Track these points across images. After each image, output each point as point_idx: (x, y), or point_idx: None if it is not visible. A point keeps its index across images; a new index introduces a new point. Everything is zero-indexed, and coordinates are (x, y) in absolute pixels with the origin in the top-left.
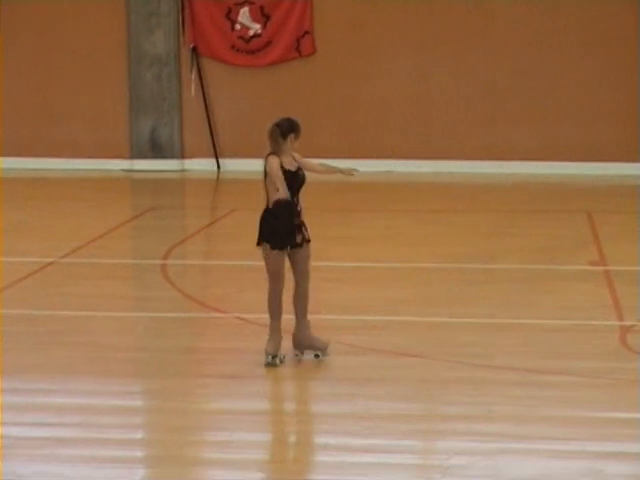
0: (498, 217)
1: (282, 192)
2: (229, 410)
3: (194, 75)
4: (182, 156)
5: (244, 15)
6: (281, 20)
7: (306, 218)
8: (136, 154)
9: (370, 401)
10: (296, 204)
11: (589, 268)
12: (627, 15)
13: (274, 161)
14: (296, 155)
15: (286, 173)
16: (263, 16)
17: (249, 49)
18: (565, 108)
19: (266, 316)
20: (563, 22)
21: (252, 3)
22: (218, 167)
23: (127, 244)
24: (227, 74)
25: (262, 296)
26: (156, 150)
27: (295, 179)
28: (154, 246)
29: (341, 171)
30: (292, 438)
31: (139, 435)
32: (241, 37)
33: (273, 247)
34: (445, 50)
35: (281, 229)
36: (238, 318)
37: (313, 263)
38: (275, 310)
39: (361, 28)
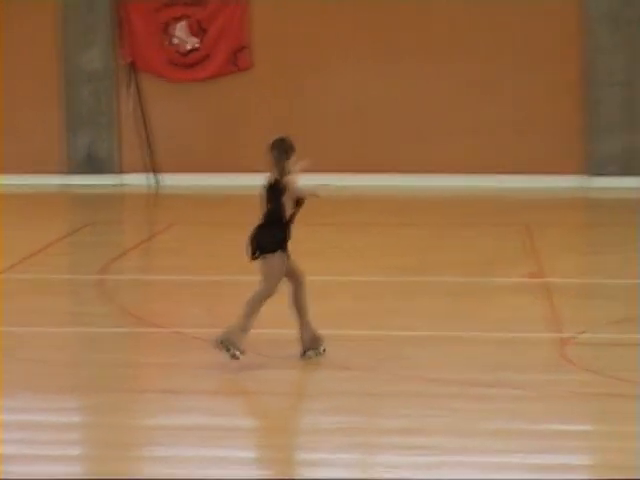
0: (436, 230)
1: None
2: (167, 425)
3: (131, 90)
4: (120, 171)
5: (181, 29)
6: (218, 34)
7: (241, 232)
8: (74, 169)
9: (309, 415)
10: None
11: (528, 280)
12: (565, 28)
13: (294, 179)
14: (288, 177)
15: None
16: (200, 30)
17: (186, 63)
18: (502, 121)
19: (206, 330)
20: (500, 35)
21: (189, 17)
22: (156, 182)
23: (65, 260)
24: (164, 89)
25: (201, 311)
26: (94, 165)
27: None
28: (92, 261)
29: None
30: (230, 453)
31: (77, 451)
32: (178, 51)
33: (284, 251)
34: (381, 63)
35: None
36: (176, 333)
37: (248, 277)
38: (256, 310)
39: (298, 42)
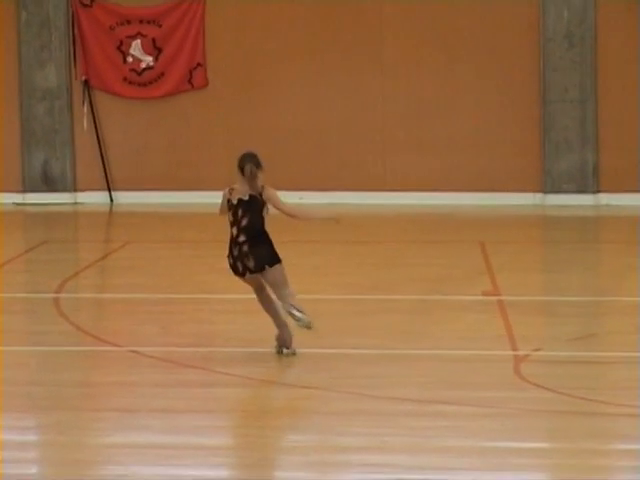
0: (392, 247)
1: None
2: (124, 444)
3: (86, 108)
4: (75, 189)
5: (136, 48)
6: (173, 52)
7: (199, 250)
8: (28, 187)
9: (264, 433)
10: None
11: (483, 298)
12: (521, 45)
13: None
14: (268, 190)
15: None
16: (155, 49)
17: (141, 81)
18: (458, 138)
19: (161, 349)
20: (458, 50)
21: (144, 36)
22: (111, 200)
23: (19, 278)
24: (119, 107)
25: (157, 329)
26: (48, 183)
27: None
28: (47, 280)
29: (323, 219)
30: (186, 471)
31: (34, 470)
32: (133, 69)
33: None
34: (338, 80)
35: None
36: (132, 351)
37: (207, 295)
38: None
39: (253, 60)
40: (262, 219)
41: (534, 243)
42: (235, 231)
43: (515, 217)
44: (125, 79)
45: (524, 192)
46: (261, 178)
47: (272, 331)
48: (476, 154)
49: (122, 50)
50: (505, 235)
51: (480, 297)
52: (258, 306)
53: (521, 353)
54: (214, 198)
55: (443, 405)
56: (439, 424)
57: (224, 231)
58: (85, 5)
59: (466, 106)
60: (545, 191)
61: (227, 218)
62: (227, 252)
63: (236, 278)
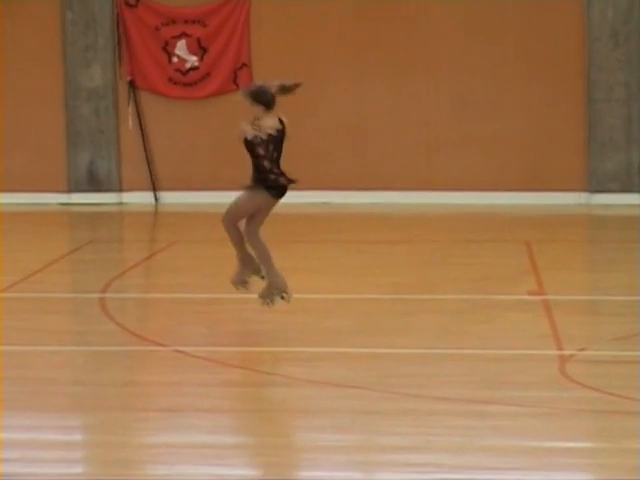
0: (436, 247)
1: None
2: (169, 444)
3: (131, 108)
4: (120, 189)
5: (181, 48)
6: (218, 52)
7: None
8: (74, 187)
9: (308, 433)
10: None
11: (528, 298)
12: (566, 45)
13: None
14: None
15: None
16: (200, 49)
17: (186, 82)
18: (503, 138)
19: (206, 348)
20: (504, 50)
21: (189, 36)
22: (156, 200)
23: (65, 278)
24: (164, 107)
25: (202, 329)
26: (94, 183)
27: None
28: (92, 280)
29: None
30: (231, 471)
31: (79, 469)
32: (178, 70)
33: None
34: (382, 79)
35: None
36: (177, 351)
37: (251, 295)
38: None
39: (297, 59)
40: (260, 158)
41: (579, 242)
42: (268, 164)
43: (560, 216)
44: (170, 79)
45: (569, 191)
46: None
47: (316, 331)
48: (521, 153)
49: (167, 50)
50: (550, 234)
51: (525, 296)
52: (301, 305)
53: (566, 353)
54: None
55: (488, 405)
56: (484, 424)
57: (267, 230)
58: (130, 5)
59: (511, 105)
60: (590, 190)
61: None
62: (267, 177)
63: None
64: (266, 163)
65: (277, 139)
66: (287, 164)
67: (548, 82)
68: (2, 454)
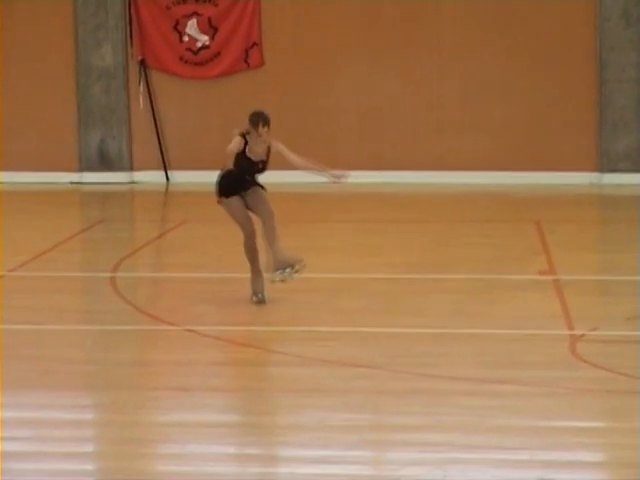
0: (448, 227)
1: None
2: (181, 422)
3: (142, 87)
4: (131, 168)
5: (192, 27)
6: (229, 32)
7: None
8: (85, 167)
9: (320, 412)
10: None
11: (539, 278)
12: (577, 25)
13: (235, 140)
14: (278, 145)
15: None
16: (211, 28)
17: (197, 61)
18: (515, 118)
19: (217, 328)
20: (515, 31)
21: (200, 15)
22: (167, 179)
23: (76, 257)
24: (175, 86)
25: (213, 308)
26: (105, 163)
27: (252, 166)
28: (104, 259)
29: (327, 174)
30: (243, 450)
31: (90, 448)
32: (189, 49)
33: (227, 195)
34: (394, 61)
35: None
36: (188, 330)
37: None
38: (250, 253)
39: (309, 40)
40: (227, 156)
41: (590, 222)
42: (241, 174)
43: (571, 196)
44: (181, 59)
45: (581, 171)
46: (256, 135)
47: (330, 310)
48: (533, 134)
49: (178, 29)
50: (561, 214)
51: (536, 277)
52: (313, 285)
53: (577, 332)
54: (268, 177)
55: (499, 384)
56: (495, 403)
57: (280, 210)
58: None
59: (523, 85)
60: (602, 170)
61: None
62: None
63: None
64: (239, 172)
65: (262, 165)
66: (301, 146)
67: (559, 63)
68: (13, 432)
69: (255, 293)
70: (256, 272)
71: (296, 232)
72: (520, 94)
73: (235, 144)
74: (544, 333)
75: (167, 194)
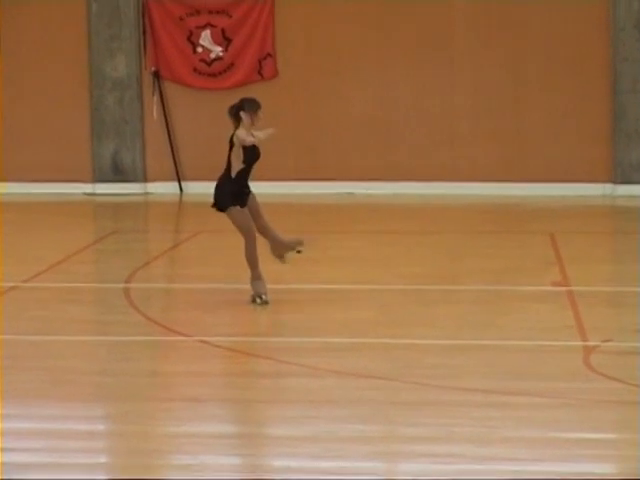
0: (460, 238)
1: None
2: (193, 433)
3: (156, 98)
4: (144, 179)
5: (205, 38)
6: (243, 43)
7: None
8: (98, 177)
9: (331, 423)
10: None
11: (552, 289)
12: (591, 36)
13: (241, 132)
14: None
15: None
16: (225, 39)
17: (211, 72)
18: (528, 128)
19: (230, 339)
20: (527, 42)
21: (213, 26)
22: (181, 190)
23: (90, 268)
24: (189, 97)
25: (226, 319)
26: (118, 173)
27: (256, 154)
28: (117, 270)
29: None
30: (255, 461)
31: (102, 459)
32: (203, 60)
33: (242, 206)
34: (406, 71)
35: (241, 190)
36: (201, 341)
37: (275, 286)
38: (254, 259)
39: (322, 50)
40: (229, 162)
41: (604, 234)
42: (247, 171)
43: (585, 207)
44: (195, 70)
45: (594, 183)
46: (247, 122)
47: (339, 322)
48: (546, 144)
49: (192, 41)
50: (575, 226)
51: (550, 288)
52: (325, 296)
53: (590, 344)
54: (282, 188)
55: (511, 396)
56: (506, 414)
57: (291, 221)
58: None
59: (536, 96)
60: (615, 182)
61: (238, 156)
62: (236, 187)
63: (306, 269)
64: (247, 168)
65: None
66: (312, 156)
67: (573, 73)
68: (25, 443)
69: (259, 295)
70: (258, 276)
71: (308, 243)
72: (533, 104)
73: (246, 134)
74: (557, 344)
75: (181, 205)
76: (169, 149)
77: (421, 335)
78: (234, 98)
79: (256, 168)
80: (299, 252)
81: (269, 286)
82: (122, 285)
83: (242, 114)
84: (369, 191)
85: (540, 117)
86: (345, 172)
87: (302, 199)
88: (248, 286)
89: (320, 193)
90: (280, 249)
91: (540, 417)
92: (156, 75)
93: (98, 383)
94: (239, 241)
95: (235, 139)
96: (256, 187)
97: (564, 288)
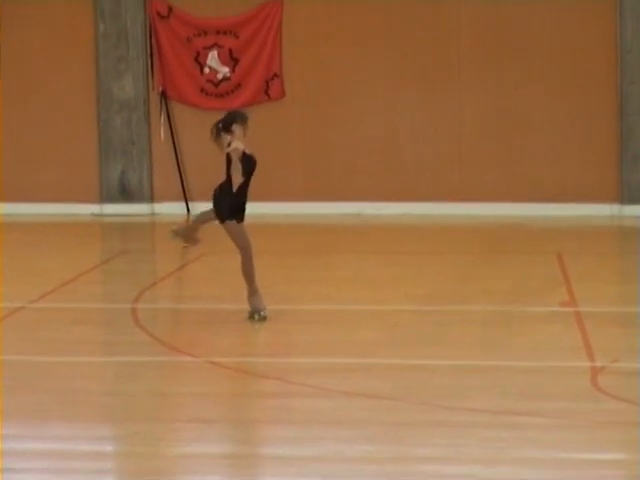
0: (468, 258)
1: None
2: (201, 454)
3: (163, 119)
4: (152, 200)
5: (213, 59)
6: (250, 63)
7: (276, 261)
8: (106, 198)
9: (339, 444)
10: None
11: (560, 309)
12: (603, 56)
13: (237, 143)
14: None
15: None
16: (232, 59)
17: (218, 92)
18: (535, 148)
19: (237, 359)
20: (535, 62)
21: (220, 47)
22: (188, 210)
23: (97, 288)
24: (196, 118)
25: (234, 340)
26: (125, 194)
27: (254, 164)
28: (124, 290)
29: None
30: None
31: None
32: (210, 80)
33: (239, 221)
34: (414, 92)
35: (240, 205)
36: (209, 362)
37: (282, 306)
38: (252, 274)
39: (329, 71)
40: (229, 178)
41: (611, 254)
42: (247, 184)
43: (592, 228)
44: (202, 90)
45: (601, 203)
46: (233, 136)
47: (347, 342)
48: (553, 165)
49: (199, 61)
50: (582, 246)
51: (557, 308)
52: (333, 316)
53: (598, 364)
54: (290, 209)
55: (519, 416)
56: (515, 435)
57: (300, 241)
58: (162, 16)
59: (543, 118)
60: (623, 202)
61: (238, 169)
62: (236, 201)
63: (314, 289)
64: (244, 182)
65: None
66: (320, 176)
67: (580, 95)
68: (32, 464)
69: (258, 311)
70: (255, 291)
71: (316, 264)
72: (540, 125)
73: (239, 144)
74: (565, 365)
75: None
76: (176, 169)
77: (429, 356)
78: None
79: (264, 188)
80: (184, 247)
81: (277, 307)
82: (129, 305)
83: (234, 126)
84: (377, 211)
85: (547, 138)
86: (353, 192)
87: (310, 219)
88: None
89: (328, 213)
90: (188, 234)
91: (548, 438)
92: (163, 96)
93: (105, 404)
94: None
95: (232, 153)
96: (264, 208)
97: (572, 308)
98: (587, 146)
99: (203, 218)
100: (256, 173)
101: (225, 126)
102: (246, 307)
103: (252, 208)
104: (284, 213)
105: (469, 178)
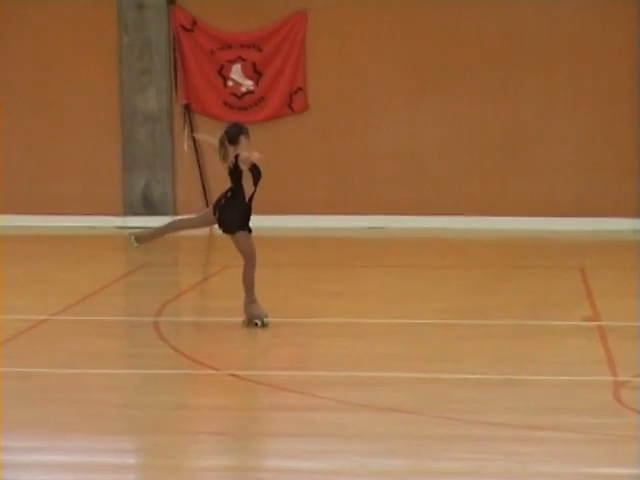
0: (490, 272)
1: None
2: (222, 467)
3: (186, 132)
4: (175, 212)
5: (236, 72)
6: (273, 77)
7: (298, 274)
8: (129, 211)
9: (361, 457)
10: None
11: (583, 324)
12: (622, 69)
13: (246, 153)
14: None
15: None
16: (255, 73)
17: (241, 106)
18: (557, 162)
19: (259, 372)
20: (557, 75)
21: (244, 60)
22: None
23: (120, 301)
24: (220, 130)
25: (255, 353)
26: (149, 207)
27: (260, 173)
28: (147, 303)
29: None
30: None
31: None
32: (233, 94)
33: (249, 232)
34: (437, 105)
35: (249, 215)
36: (231, 375)
37: (304, 319)
38: (253, 283)
39: (353, 84)
40: (241, 188)
41: (634, 268)
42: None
43: (615, 242)
44: (225, 103)
45: (624, 217)
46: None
47: (370, 355)
48: (575, 179)
49: (223, 74)
50: (605, 260)
51: (580, 322)
52: (355, 330)
53: (621, 379)
54: (312, 222)
55: (541, 430)
56: (537, 449)
57: (322, 254)
58: (186, 29)
59: (565, 131)
60: None
61: (248, 180)
62: (247, 212)
63: (337, 303)
64: (250, 189)
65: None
66: (342, 189)
67: (601, 107)
68: (54, 476)
69: (260, 318)
70: (254, 300)
71: (338, 277)
72: (563, 139)
73: (248, 151)
74: (587, 379)
75: (210, 238)
76: (199, 182)
77: (451, 369)
78: (265, 132)
79: (287, 200)
80: (135, 245)
81: (299, 320)
82: (152, 318)
83: (241, 138)
84: (400, 225)
85: (569, 152)
86: (376, 206)
87: (332, 232)
88: (278, 319)
89: (350, 227)
90: (149, 240)
91: (570, 452)
92: (187, 108)
93: (127, 416)
94: (268, 274)
95: (241, 164)
96: (287, 220)
97: (595, 323)
98: (609, 159)
99: (169, 229)
100: (278, 184)
101: (232, 138)
102: (270, 320)
103: (274, 221)
104: (306, 226)
105: (492, 192)
